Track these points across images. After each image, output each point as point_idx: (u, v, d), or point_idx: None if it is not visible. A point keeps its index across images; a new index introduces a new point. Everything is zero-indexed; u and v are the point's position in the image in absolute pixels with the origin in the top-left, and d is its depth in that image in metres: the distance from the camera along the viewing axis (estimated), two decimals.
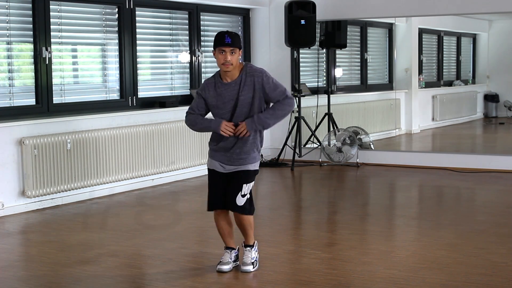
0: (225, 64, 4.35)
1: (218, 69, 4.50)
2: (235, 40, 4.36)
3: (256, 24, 9.62)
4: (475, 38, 11.38)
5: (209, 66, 8.89)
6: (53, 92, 6.98)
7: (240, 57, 4.46)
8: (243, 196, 4.48)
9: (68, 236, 5.68)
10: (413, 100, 10.53)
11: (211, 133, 4.60)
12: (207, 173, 4.69)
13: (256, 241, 4.67)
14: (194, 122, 4.56)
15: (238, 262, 4.66)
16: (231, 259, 4.62)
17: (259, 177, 8.57)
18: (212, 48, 4.50)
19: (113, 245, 5.31)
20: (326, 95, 9.51)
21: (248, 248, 4.63)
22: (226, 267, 4.57)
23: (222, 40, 4.35)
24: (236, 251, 4.67)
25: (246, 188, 4.49)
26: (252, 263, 4.58)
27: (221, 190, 4.54)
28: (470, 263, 4.73)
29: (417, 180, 8.21)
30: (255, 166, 4.55)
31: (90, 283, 4.43)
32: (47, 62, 6.85)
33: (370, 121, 10.37)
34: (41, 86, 6.84)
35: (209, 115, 4.59)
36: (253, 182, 4.56)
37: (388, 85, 10.66)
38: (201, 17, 8.77)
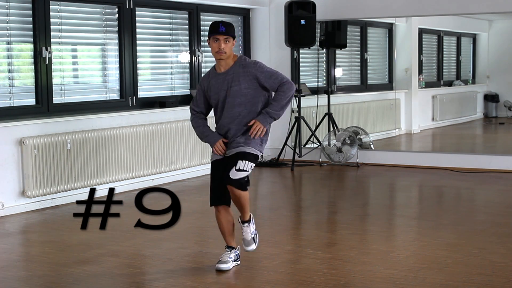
0: (219, 52, 4.45)
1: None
2: (229, 29, 4.46)
3: (256, 24, 9.62)
4: (475, 38, 11.39)
5: (209, 66, 8.87)
6: (53, 92, 6.98)
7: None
8: (238, 170, 4.41)
9: (68, 236, 5.68)
10: (413, 100, 10.53)
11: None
12: (209, 172, 4.72)
13: (251, 214, 4.68)
14: (196, 125, 4.69)
15: (239, 262, 4.67)
16: (230, 258, 4.62)
17: (260, 177, 8.64)
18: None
19: (113, 245, 5.31)
20: (326, 95, 9.51)
21: (246, 224, 4.65)
22: (225, 266, 4.57)
23: (216, 29, 4.45)
24: (236, 250, 4.67)
25: (242, 164, 4.43)
26: (253, 239, 4.61)
27: (222, 183, 4.55)
28: (470, 263, 4.73)
29: (417, 180, 8.21)
30: (255, 150, 4.51)
31: (90, 283, 4.44)
32: (47, 62, 6.85)
33: (370, 121, 10.37)
34: (41, 86, 6.84)
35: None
36: (250, 163, 4.46)
37: (388, 85, 10.66)
38: (201, 17, 8.77)
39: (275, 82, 4.50)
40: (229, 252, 4.64)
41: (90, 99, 7.50)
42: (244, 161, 4.46)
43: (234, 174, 4.45)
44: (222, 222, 4.64)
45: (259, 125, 4.48)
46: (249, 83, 4.48)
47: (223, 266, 4.57)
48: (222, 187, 4.55)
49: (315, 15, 8.88)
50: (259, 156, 4.58)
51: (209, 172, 4.69)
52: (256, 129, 4.47)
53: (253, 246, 4.67)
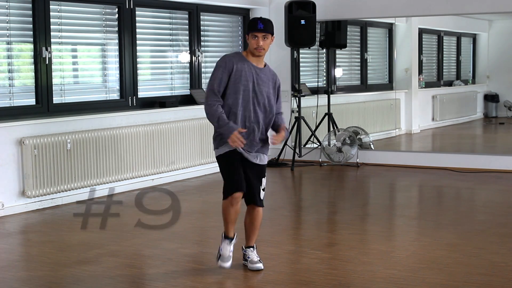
0: (257, 49, 4.51)
1: None
2: (267, 26, 4.51)
3: None
4: (475, 38, 11.39)
5: (209, 66, 8.88)
6: (53, 92, 6.98)
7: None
8: (263, 189, 4.64)
9: (68, 236, 5.68)
10: (413, 100, 10.53)
11: (213, 128, 4.61)
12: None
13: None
14: (213, 115, 4.45)
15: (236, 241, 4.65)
16: (231, 251, 4.56)
17: None
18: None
19: (113, 245, 5.31)
20: (326, 95, 9.51)
21: (251, 248, 4.64)
22: (229, 264, 4.54)
23: (255, 26, 4.50)
24: (233, 238, 4.61)
25: (265, 182, 4.67)
26: (259, 261, 4.59)
27: (243, 172, 4.55)
28: (470, 263, 4.73)
29: (417, 180, 8.21)
30: (267, 158, 4.76)
31: (90, 283, 4.44)
32: (47, 62, 6.85)
33: (370, 121, 10.37)
34: (41, 86, 6.85)
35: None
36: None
37: (388, 85, 10.66)
38: (201, 17, 8.77)
39: (279, 106, 4.72)
40: (230, 245, 4.57)
41: (90, 99, 7.50)
42: (264, 178, 4.66)
43: (262, 195, 4.63)
44: (233, 212, 4.48)
45: (283, 136, 4.61)
46: (273, 92, 4.63)
47: (227, 265, 4.54)
48: (241, 173, 4.51)
49: (315, 15, 8.88)
50: None
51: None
52: (281, 137, 4.60)
53: (261, 265, 4.59)
